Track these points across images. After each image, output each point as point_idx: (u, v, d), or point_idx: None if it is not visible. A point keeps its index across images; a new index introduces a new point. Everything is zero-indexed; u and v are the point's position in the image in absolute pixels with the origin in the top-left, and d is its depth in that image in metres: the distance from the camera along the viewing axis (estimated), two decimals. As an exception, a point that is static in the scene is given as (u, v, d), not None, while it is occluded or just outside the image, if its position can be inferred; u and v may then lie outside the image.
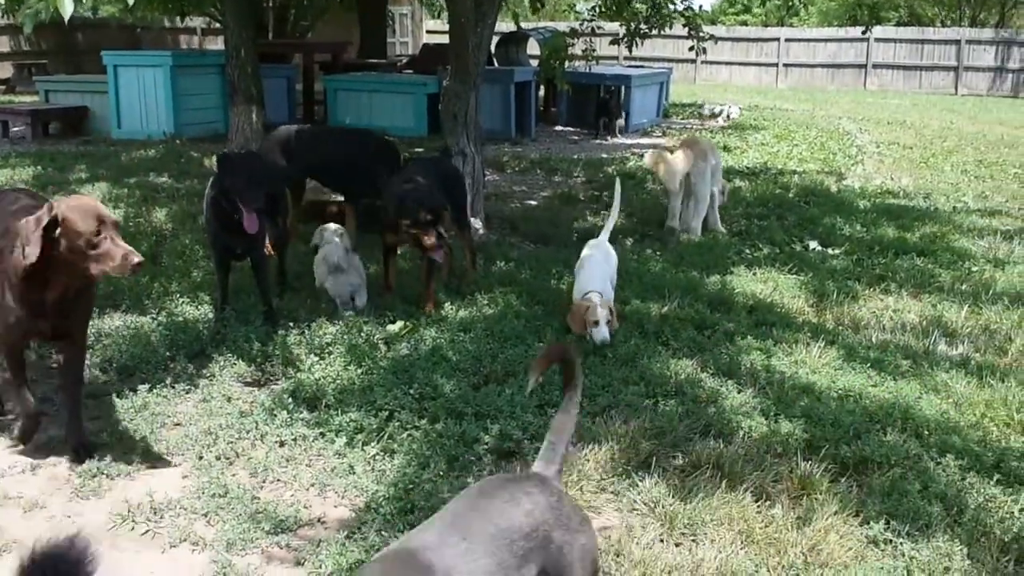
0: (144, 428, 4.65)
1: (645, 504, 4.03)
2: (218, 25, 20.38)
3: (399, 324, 5.98)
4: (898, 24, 35.61)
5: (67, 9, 4.75)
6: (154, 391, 5.00)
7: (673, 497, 4.04)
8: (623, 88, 17.89)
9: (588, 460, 4.33)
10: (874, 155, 15.32)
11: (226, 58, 13.46)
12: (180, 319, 6.00)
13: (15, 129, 15.04)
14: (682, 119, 20.45)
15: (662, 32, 14.03)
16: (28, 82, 21.17)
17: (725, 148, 15.30)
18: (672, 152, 9.10)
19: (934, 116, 22.39)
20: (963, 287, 7.41)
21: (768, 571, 3.57)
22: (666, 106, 20.87)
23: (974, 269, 7.86)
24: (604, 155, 14.54)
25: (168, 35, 27.68)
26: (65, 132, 15.17)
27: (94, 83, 15.63)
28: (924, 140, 17.45)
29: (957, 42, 31.41)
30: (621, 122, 17.37)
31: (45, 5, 4.81)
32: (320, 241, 6.59)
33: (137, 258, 4.02)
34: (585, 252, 6.52)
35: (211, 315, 6.11)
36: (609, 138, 16.90)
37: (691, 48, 14.08)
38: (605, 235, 6.72)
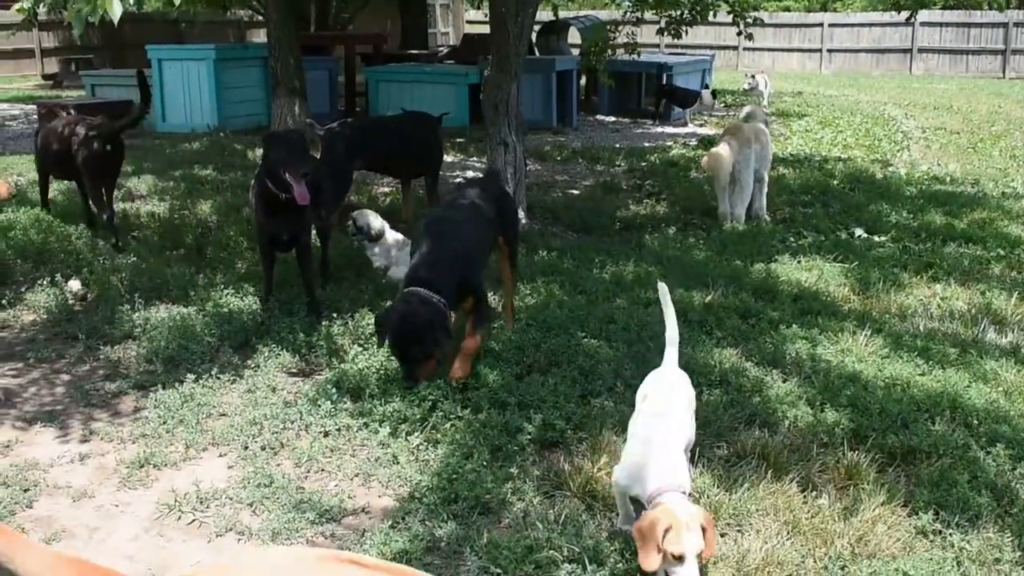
0: (190, 418, 4.69)
1: (690, 494, 4.00)
2: (260, 18, 20.50)
3: None
4: (944, 7, 35.07)
5: (116, 12, 4.77)
6: (200, 381, 5.06)
7: (718, 487, 4.02)
8: (665, 76, 17.80)
9: (632, 450, 4.30)
10: (920, 141, 15.12)
11: (269, 51, 13.56)
12: (225, 310, 6.04)
13: (63, 124, 15.21)
14: (724, 106, 20.28)
15: (706, 20, 13.96)
16: (74, 77, 21.44)
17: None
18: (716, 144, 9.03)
19: (981, 100, 22.04)
20: (1013, 274, 7.30)
21: (815, 562, 3.53)
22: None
23: (1024, 256, 7.74)
24: (646, 143, 14.48)
25: (211, 29, 27.88)
26: (111, 126, 15.31)
27: (139, 77, 15.79)
28: (971, 125, 17.20)
29: (1004, 25, 30.86)
30: (697, 105, 17.38)
31: (92, 7, 4.82)
32: (368, 230, 6.82)
33: None
34: (644, 392, 3.97)
35: (256, 306, 6.15)
36: (658, 124, 16.92)
37: (739, 33, 13.98)
38: (672, 359, 4.12)
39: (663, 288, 4.23)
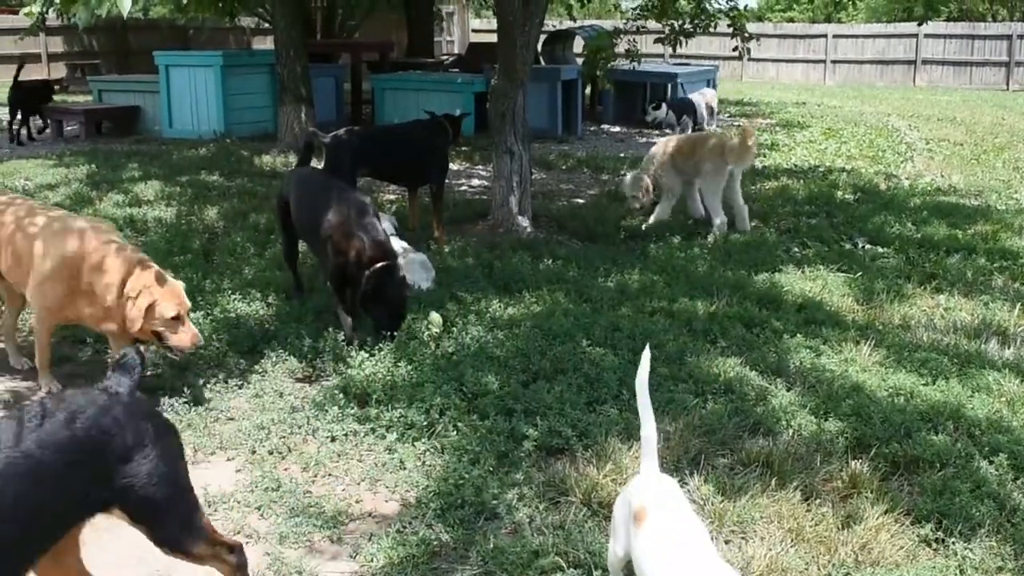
0: (198, 422, 4.73)
1: (694, 502, 4.01)
2: (267, 25, 20.56)
3: (437, 317, 6.04)
4: (948, 19, 35.12)
5: (125, 5, 4.81)
6: (207, 386, 5.09)
7: (722, 495, 4.05)
8: (668, 86, 17.84)
9: (638, 458, 4.33)
10: (924, 152, 15.15)
11: (275, 58, 13.62)
12: (232, 316, 6.08)
13: (69, 128, 15.32)
14: (728, 116, 20.32)
15: (708, 31, 13.99)
16: (81, 82, 21.53)
17: (773, 145, 15.22)
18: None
19: (985, 112, 22.06)
20: (1016, 286, 7.32)
21: (818, 569, 3.56)
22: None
23: (1027, 268, 7.76)
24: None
25: (218, 35, 27.96)
26: (117, 131, 15.41)
27: (146, 83, 15.89)
28: (975, 137, 17.22)
29: (1008, 37, 30.91)
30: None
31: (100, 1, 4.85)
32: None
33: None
34: (640, 504, 3.02)
35: (263, 311, 6.19)
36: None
37: (734, 49, 14.03)
38: (652, 463, 3.26)
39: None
